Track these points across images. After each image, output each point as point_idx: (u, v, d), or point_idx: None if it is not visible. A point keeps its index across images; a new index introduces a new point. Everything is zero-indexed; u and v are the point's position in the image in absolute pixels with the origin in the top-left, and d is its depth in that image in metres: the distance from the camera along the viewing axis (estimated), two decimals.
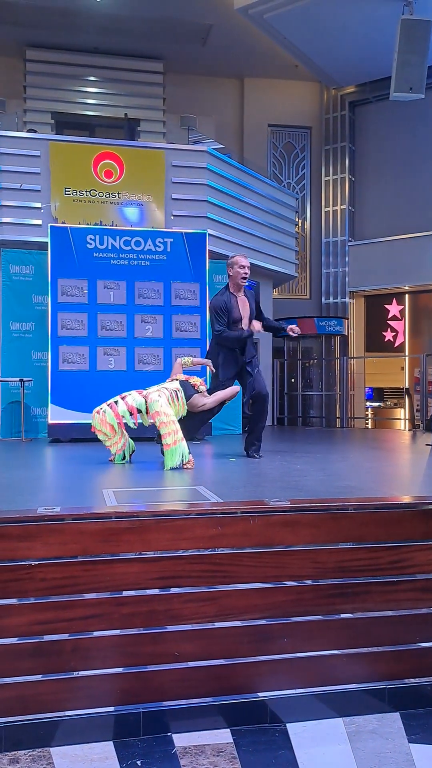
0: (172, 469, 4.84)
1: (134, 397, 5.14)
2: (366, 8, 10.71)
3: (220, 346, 5.79)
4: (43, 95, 12.56)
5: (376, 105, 13.61)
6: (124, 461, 5.31)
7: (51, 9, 11.36)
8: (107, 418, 5.11)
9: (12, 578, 2.53)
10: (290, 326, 5.89)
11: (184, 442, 4.96)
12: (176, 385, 5.27)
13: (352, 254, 13.73)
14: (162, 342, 8.63)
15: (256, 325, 5.70)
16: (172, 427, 4.94)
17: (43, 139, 9.43)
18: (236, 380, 5.86)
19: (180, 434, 4.95)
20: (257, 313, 5.93)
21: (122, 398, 5.18)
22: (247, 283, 5.90)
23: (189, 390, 5.28)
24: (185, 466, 4.89)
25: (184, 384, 5.31)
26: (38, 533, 2.60)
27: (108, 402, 5.22)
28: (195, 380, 5.40)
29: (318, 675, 2.68)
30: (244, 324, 5.78)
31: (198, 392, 5.33)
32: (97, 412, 5.17)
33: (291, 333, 5.83)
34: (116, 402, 5.17)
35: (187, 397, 5.24)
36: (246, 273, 5.77)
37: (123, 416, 5.10)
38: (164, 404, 5.01)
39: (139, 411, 5.12)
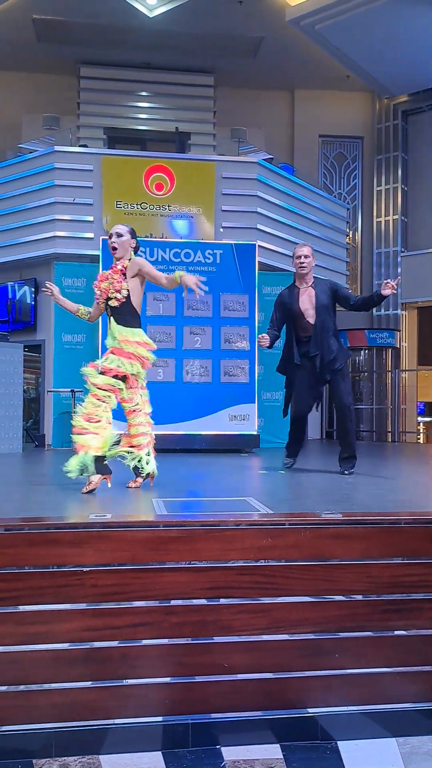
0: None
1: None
2: (418, 17, 10.60)
3: (284, 361, 5.69)
4: (96, 111, 12.78)
5: (430, 114, 13.44)
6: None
7: (104, 27, 11.59)
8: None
9: (64, 584, 2.54)
10: (386, 283, 5.16)
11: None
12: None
13: (404, 265, 13.52)
14: (210, 354, 8.65)
15: (263, 341, 5.35)
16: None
17: (96, 154, 9.60)
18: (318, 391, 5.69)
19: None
20: (341, 302, 5.61)
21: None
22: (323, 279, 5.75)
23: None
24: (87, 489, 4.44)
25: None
26: (89, 540, 2.61)
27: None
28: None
29: (370, 692, 2.61)
30: (310, 317, 5.49)
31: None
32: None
33: (386, 291, 5.15)
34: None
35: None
36: (301, 263, 5.52)
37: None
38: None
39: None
